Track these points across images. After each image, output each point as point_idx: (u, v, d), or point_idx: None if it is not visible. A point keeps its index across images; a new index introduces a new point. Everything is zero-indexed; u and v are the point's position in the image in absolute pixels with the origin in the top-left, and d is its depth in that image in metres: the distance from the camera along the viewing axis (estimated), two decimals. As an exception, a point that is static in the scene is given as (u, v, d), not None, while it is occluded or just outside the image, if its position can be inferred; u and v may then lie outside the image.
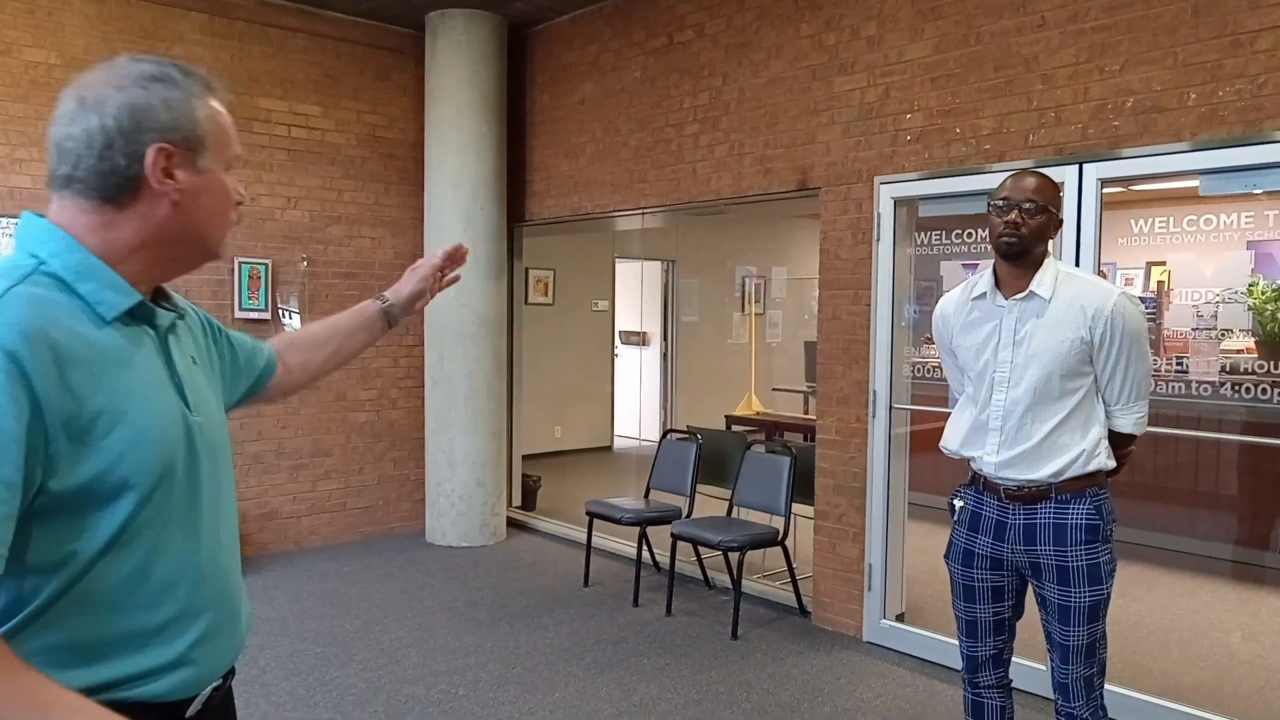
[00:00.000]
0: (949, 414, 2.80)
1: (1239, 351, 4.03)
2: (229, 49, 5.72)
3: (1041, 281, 2.49)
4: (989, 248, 2.59)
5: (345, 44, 6.17)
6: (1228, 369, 3.83)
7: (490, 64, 6.16)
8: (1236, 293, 3.70)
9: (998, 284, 2.57)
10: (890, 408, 4.41)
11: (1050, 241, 2.57)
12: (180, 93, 1.18)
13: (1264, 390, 3.60)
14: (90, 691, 1.08)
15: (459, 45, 6.06)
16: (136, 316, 1.18)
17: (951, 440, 2.72)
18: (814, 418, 8.66)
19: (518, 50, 6.44)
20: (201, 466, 1.22)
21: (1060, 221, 2.55)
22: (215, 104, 1.23)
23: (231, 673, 1.33)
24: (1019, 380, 2.51)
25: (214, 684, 1.26)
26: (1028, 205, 2.45)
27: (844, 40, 4.54)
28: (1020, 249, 2.47)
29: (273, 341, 1.67)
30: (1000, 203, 2.49)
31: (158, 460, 1.13)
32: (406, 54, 6.41)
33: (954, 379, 2.82)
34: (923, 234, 4.46)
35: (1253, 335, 4.10)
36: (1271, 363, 3.70)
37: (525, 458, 7.25)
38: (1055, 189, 2.54)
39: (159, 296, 1.27)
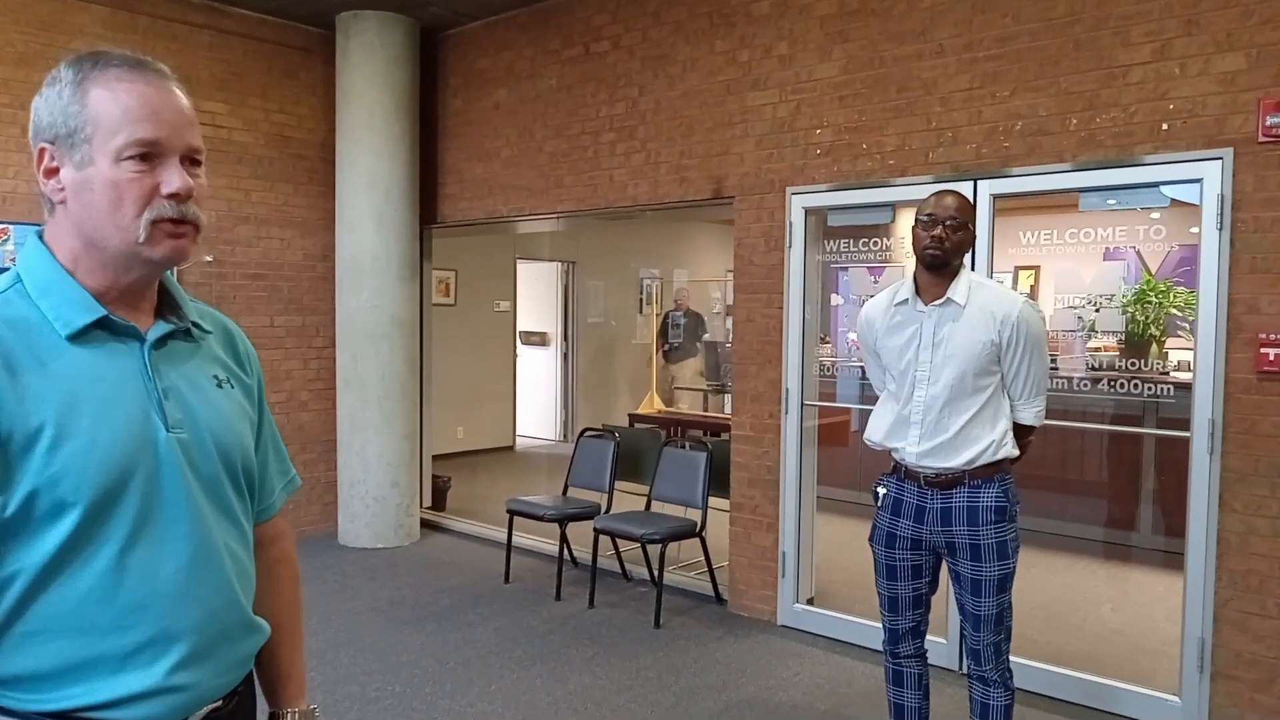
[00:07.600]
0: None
1: (1102, 349, 4.48)
2: (130, 44, 5.55)
3: (957, 289, 2.78)
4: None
5: (252, 41, 6.08)
6: (1095, 365, 4.27)
7: (403, 66, 6.17)
8: (1111, 298, 4.12)
9: (918, 291, 2.85)
10: (802, 404, 4.70)
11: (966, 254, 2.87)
12: (57, 88, 1.14)
13: (1123, 385, 4.04)
14: (62, 718, 1.08)
15: (372, 47, 6.06)
16: (113, 330, 1.16)
17: (875, 433, 2.99)
18: (715, 415, 8.96)
19: (430, 54, 6.47)
20: (177, 484, 1.16)
21: (974, 236, 2.85)
22: (103, 90, 1.13)
23: (235, 695, 1.27)
24: (938, 378, 2.80)
25: (212, 705, 1.22)
26: (950, 222, 2.74)
27: (757, 58, 4.80)
28: (943, 260, 2.75)
29: (284, 528, 1.49)
30: (925, 218, 2.77)
31: (103, 476, 1.09)
32: (315, 53, 6.35)
33: (876, 377, 3.09)
34: (830, 241, 4.77)
35: (1114, 335, 4.54)
36: (1130, 360, 4.17)
37: (432, 458, 7.27)
38: (972, 208, 2.84)
39: (166, 307, 1.26)
